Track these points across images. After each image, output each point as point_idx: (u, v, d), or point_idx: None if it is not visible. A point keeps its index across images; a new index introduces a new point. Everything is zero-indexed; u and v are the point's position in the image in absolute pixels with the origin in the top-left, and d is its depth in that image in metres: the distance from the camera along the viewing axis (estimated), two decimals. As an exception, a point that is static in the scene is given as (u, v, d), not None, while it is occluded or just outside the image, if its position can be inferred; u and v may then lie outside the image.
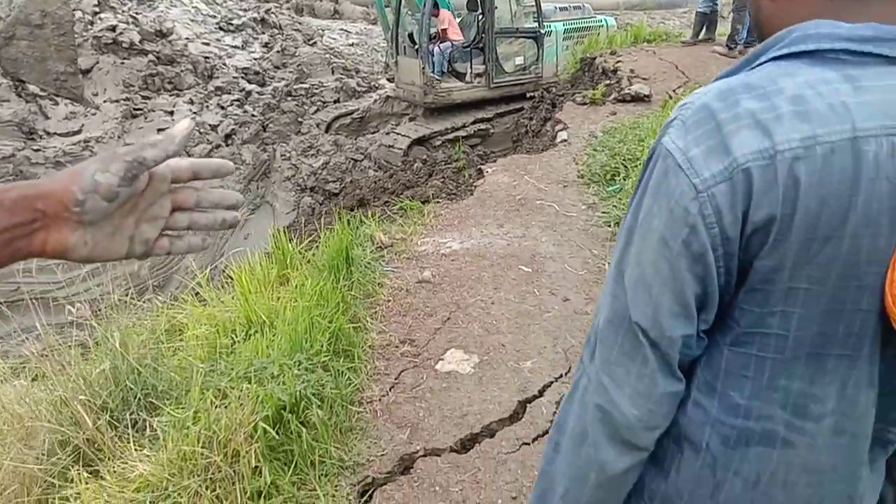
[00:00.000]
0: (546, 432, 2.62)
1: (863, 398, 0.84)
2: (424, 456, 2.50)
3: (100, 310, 2.98)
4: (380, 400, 2.78)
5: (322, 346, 2.73)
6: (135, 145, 0.73)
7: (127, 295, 3.19)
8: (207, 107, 10.99)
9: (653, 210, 0.83)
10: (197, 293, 3.63)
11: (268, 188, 10.28)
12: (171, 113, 10.59)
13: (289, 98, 11.89)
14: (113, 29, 11.11)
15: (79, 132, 9.92)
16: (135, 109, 10.48)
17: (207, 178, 0.81)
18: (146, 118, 10.47)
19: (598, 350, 0.90)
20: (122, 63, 10.92)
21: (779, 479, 0.88)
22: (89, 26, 11.02)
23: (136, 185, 0.73)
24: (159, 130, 10.10)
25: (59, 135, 9.59)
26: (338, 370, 2.74)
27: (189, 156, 8.32)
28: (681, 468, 0.93)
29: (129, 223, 0.76)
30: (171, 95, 11.00)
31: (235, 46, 13.17)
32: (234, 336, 2.97)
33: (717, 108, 0.78)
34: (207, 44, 12.78)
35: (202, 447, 2.27)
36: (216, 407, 2.43)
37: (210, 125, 10.55)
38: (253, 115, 11.12)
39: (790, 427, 0.85)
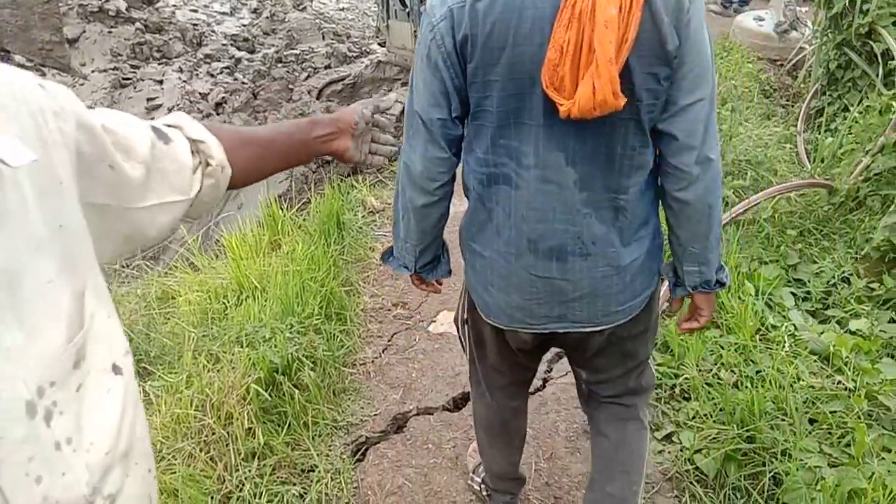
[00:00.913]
0: (538, 389, 2.64)
1: (553, 157, 1.26)
2: (417, 415, 2.53)
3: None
4: (373, 361, 2.80)
5: (314, 310, 2.73)
6: (373, 98, 1.08)
7: (118, 264, 3.19)
8: (197, 75, 10.83)
9: (420, 42, 1.29)
10: (190, 262, 3.63)
11: (260, 156, 10.20)
12: (161, 82, 10.45)
13: (279, 65, 11.73)
14: (99, -4, 10.89)
15: (68, 103, 9.76)
16: (123, 79, 10.33)
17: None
18: (135, 87, 10.32)
19: (404, 129, 1.39)
20: (110, 32, 10.74)
21: (520, 212, 1.32)
22: (75, -6, 10.81)
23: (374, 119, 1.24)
24: (149, 100, 10.00)
25: (48, 106, 9.45)
26: (330, 333, 2.75)
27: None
28: (469, 205, 1.44)
29: (367, 140, 1.26)
30: (159, 64, 10.83)
31: (224, 13, 12.95)
32: (225, 302, 2.98)
33: None
34: (195, 10, 12.56)
35: (195, 410, 2.29)
36: (209, 371, 2.45)
37: (200, 94, 10.41)
38: (243, 83, 10.97)
39: (516, 173, 1.29)
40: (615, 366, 1.63)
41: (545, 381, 2.68)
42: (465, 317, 1.72)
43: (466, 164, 1.38)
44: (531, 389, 2.61)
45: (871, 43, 4.93)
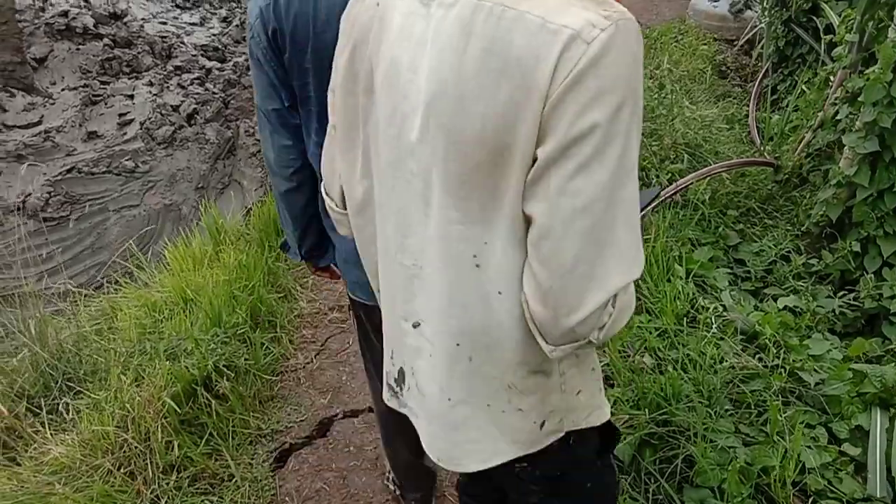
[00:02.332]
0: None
1: None
2: (343, 418, 2.54)
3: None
4: (304, 367, 2.81)
5: (241, 319, 2.74)
6: None
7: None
8: (168, 87, 10.82)
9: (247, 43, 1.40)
10: (133, 276, 3.64)
11: (234, 166, 10.22)
12: (132, 97, 10.45)
13: (249, 72, 11.71)
14: (65, 14, 10.89)
15: (39, 123, 9.79)
16: (94, 96, 10.32)
17: None
18: (106, 104, 10.32)
19: (258, 123, 1.49)
20: (78, 49, 10.73)
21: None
22: (40, 13, 10.80)
23: None
24: (121, 115, 10.00)
25: (19, 127, 9.47)
26: (258, 341, 2.76)
27: (152, 139, 8.15)
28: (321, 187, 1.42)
29: None
30: (130, 79, 10.83)
31: (193, 24, 12.93)
32: (159, 315, 2.99)
33: None
34: (164, 23, 12.54)
35: (116, 426, 2.30)
36: (133, 386, 2.46)
37: (171, 106, 10.41)
38: (214, 93, 10.97)
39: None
40: None
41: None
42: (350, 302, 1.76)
43: (309, 148, 1.44)
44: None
45: (815, 19, 4.94)
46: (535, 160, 0.78)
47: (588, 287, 0.79)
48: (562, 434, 1.01)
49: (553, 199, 0.77)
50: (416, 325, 0.97)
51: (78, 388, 2.61)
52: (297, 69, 1.31)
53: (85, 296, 3.66)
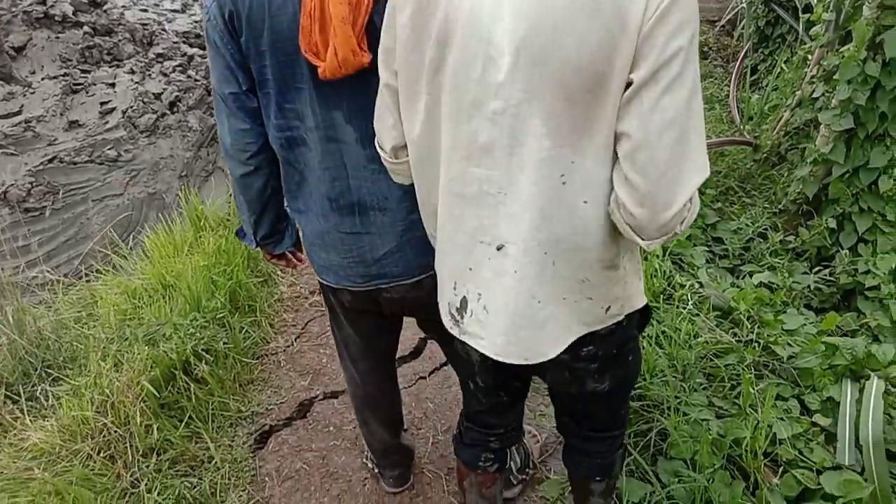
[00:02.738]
0: (443, 365, 2.68)
1: (331, 116, 1.31)
2: (323, 399, 2.56)
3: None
4: (284, 350, 2.82)
5: (219, 304, 2.75)
6: None
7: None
8: (150, 75, 10.73)
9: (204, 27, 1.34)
10: (114, 265, 3.63)
11: (218, 153, 10.15)
12: (113, 85, 10.35)
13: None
14: (43, 2, 10.76)
15: (19, 112, 9.69)
16: (74, 84, 10.21)
17: None
18: (87, 92, 10.21)
19: (214, 107, 1.45)
20: (57, 37, 10.61)
21: (316, 172, 1.39)
22: (18, 1, 10.67)
23: None
24: (102, 104, 9.91)
25: (-1, 117, 9.36)
26: (238, 325, 2.77)
27: (134, 127, 8.05)
28: (283, 170, 1.48)
29: None
30: (111, 67, 10.72)
31: (174, 10, 12.80)
32: (137, 302, 2.99)
33: None
34: (145, 10, 12.41)
35: (95, 411, 2.31)
36: (115, 371, 2.47)
37: (154, 94, 10.32)
38: (196, 80, 10.88)
39: (307, 134, 1.35)
40: None
41: (452, 356, 2.72)
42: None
43: (270, 132, 1.43)
44: (436, 366, 2.66)
45: (794, -2, 4.95)
46: (628, 85, 0.93)
47: (677, 188, 0.96)
48: (621, 317, 1.20)
49: (647, 117, 0.93)
50: (499, 248, 1.11)
51: (57, 375, 2.61)
52: (254, 52, 1.30)
53: (65, 285, 3.65)
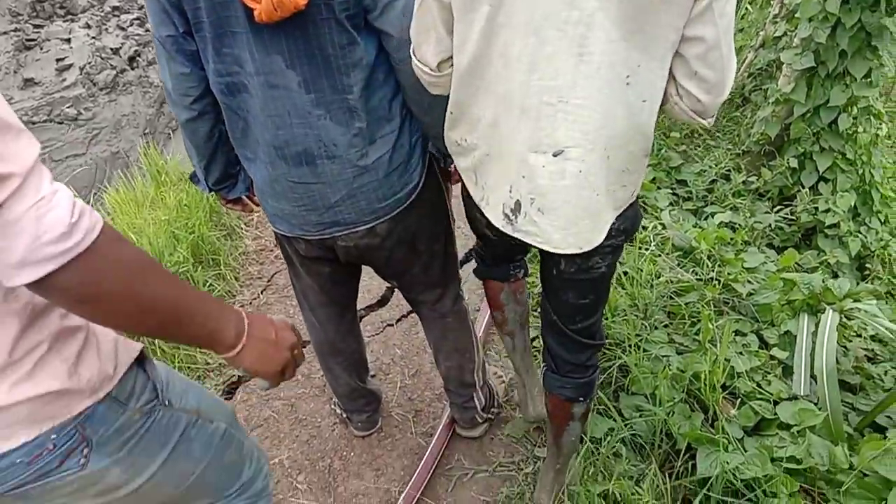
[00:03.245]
0: (410, 312, 2.69)
1: (272, 60, 1.26)
2: (291, 349, 2.56)
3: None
4: (251, 303, 2.81)
5: (181, 257, 2.72)
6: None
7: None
8: (106, 29, 10.39)
9: None
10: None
11: (182, 109, 9.93)
12: (68, 40, 10.01)
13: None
14: (-11, -46, 10.27)
15: (-29, 71, 9.34)
16: (27, 40, 9.86)
17: None
18: (42, 48, 9.87)
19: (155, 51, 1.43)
20: (6, -9, 10.18)
21: (260, 119, 1.34)
22: (-39, -46, 10.17)
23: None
24: (58, 61, 9.59)
25: (-50, 77, 9.03)
26: (203, 279, 2.75)
27: (93, 84, 7.81)
28: (226, 116, 1.41)
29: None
30: (65, 21, 10.35)
31: (130, -40, 12.32)
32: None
33: None
34: (98, -39, 11.91)
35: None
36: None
37: (111, 49, 10.01)
38: (156, 34, 10.54)
39: (247, 80, 1.30)
40: (412, 264, 1.69)
41: (419, 303, 2.73)
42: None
43: (209, 76, 1.37)
44: (403, 313, 2.68)
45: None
46: None
47: (731, 73, 1.17)
48: (635, 199, 1.38)
49: (718, 21, 1.08)
50: (556, 154, 1.21)
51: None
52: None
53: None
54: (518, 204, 1.31)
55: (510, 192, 1.31)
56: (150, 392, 1.03)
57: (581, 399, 1.70)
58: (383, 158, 1.42)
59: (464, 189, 1.49)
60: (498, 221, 1.36)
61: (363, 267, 1.79)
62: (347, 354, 1.96)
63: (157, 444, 1.05)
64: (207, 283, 2.74)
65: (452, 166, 1.61)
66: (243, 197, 1.70)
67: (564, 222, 1.28)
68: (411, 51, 1.30)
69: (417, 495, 1.95)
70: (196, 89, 1.38)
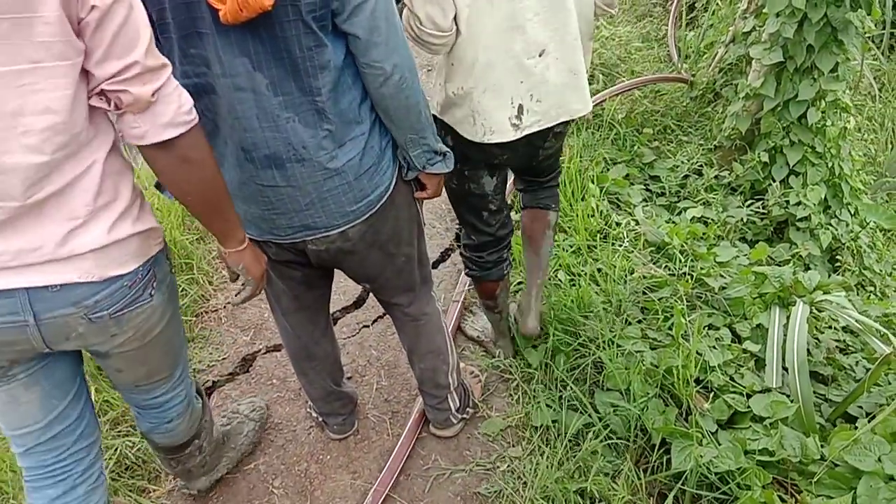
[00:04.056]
0: (385, 314, 2.69)
1: (238, 62, 1.25)
2: (265, 353, 2.55)
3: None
4: (224, 307, 2.79)
5: (154, 262, 2.68)
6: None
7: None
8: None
9: None
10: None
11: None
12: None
13: None
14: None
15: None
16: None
17: None
18: None
19: None
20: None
21: (228, 122, 1.32)
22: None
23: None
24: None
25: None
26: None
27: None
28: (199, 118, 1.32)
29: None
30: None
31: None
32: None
33: None
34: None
35: None
36: None
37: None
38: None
39: (214, 81, 1.28)
40: (384, 267, 1.69)
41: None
42: None
43: (178, 77, 1.34)
44: (379, 315, 2.67)
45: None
46: None
47: None
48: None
49: None
50: (541, 54, 1.69)
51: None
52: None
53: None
54: (521, 107, 1.73)
55: (511, 103, 1.72)
56: (170, 264, 1.40)
57: (554, 206, 2.27)
58: (353, 161, 1.42)
59: (458, 173, 1.88)
60: (507, 135, 1.75)
61: (336, 270, 1.78)
62: (321, 358, 1.95)
63: (174, 300, 1.43)
64: (180, 288, 2.71)
65: (414, 175, 1.62)
66: None
67: (557, 98, 1.76)
68: (418, 27, 1.59)
69: (386, 491, 1.95)
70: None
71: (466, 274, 2.25)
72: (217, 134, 1.39)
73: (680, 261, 2.71)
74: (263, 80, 1.28)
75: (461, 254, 2.28)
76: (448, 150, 1.61)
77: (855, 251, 3.42)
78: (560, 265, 2.68)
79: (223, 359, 2.53)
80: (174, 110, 1.10)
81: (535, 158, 2.01)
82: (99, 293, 1.19)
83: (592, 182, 3.09)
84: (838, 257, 3.42)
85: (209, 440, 1.88)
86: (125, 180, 1.20)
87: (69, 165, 1.09)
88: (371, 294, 2.79)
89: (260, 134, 1.34)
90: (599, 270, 2.66)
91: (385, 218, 1.55)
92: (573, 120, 1.93)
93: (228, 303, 2.79)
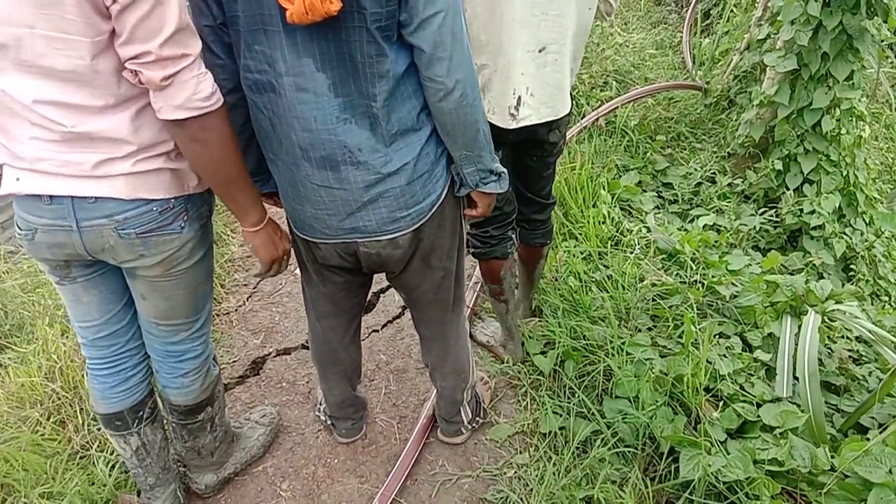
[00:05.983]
0: (395, 317, 2.69)
1: (302, 62, 1.28)
2: (276, 356, 2.56)
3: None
4: (236, 310, 2.81)
5: (167, 265, 2.71)
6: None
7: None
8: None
9: None
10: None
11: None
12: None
13: None
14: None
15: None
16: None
17: None
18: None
19: None
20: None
21: (287, 120, 1.35)
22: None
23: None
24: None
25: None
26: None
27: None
28: (252, 113, 1.42)
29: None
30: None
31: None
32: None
33: None
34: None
35: (43, 377, 2.29)
36: (62, 337, 2.44)
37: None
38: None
39: (276, 79, 1.31)
40: (423, 279, 1.69)
41: (404, 308, 2.74)
42: (290, 235, 1.73)
43: (240, 70, 1.37)
44: (389, 319, 2.68)
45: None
46: None
47: None
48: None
49: None
50: (541, 50, 1.79)
51: (4, 344, 2.58)
52: None
53: (7, 252, 3.58)
54: (519, 99, 1.82)
55: (514, 93, 1.81)
56: (209, 209, 1.53)
57: (547, 242, 2.37)
58: (407, 166, 1.43)
59: None
60: (504, 122, 1.84)
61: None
62: (346, 364, 1.96)
63: (207, 240, 1.57)
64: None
65: (466, 192, 1.60)
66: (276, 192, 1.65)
67: (547, 97, 1.86)
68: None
69: (392, 496, 1.95)
70: (229, 81, 1.37)
71: (471, 254, 2.22)
72: (272, 132, 1.40)
73: (691, 268, 2.70)
74: (326, 81, 1.30)
75: (466, 233, 2.18)
76: (504, 170, 1.58)
77: (869, 260, 3.38)
78: (571, 271, 2.68)
79: (234, 361, 2.55)
80: (187, 96, 1.21)
81: (529, 165, 2.09)
82: (129, 211, 1.35)
83: (604, 189, 3.09)
84: (852, 266, 3.38)
85: (221, 417, 1.93)
86: (165, 130, 1.34)
87: (107, 111, 1.27)
88: (381, 297, 2.81)
89: (317, 135, 1.35)
90: (610, 277, 2.66)
91: (432, 228, 1.55)
92: (558, 129, 2.00)
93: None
